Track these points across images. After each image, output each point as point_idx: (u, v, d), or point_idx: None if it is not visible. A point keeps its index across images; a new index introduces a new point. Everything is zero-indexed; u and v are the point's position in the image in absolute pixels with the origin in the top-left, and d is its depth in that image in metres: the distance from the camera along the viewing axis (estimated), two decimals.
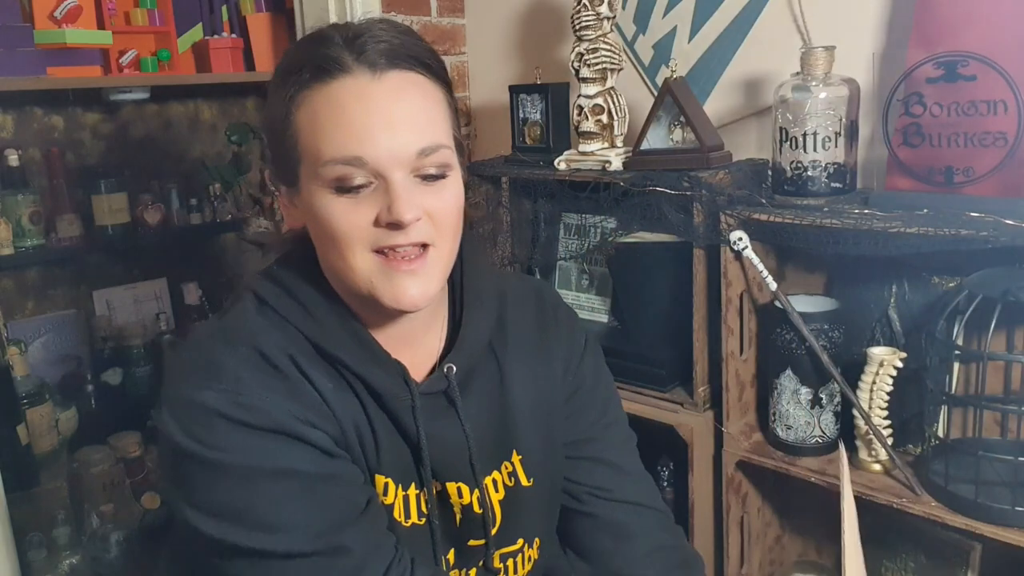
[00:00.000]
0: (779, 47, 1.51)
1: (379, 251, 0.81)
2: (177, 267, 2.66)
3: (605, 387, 1.07)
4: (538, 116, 1.69)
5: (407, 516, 0.90)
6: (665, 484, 1.60)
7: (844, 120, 1.31)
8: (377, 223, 0.80)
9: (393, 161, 0.79)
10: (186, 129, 2.71)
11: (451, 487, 0.92)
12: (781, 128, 1.34)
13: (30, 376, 2.12)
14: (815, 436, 1.37)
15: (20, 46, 2.02)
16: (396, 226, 0.79)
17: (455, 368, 0.91)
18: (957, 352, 1.20)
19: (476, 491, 0.93)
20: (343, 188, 0.80)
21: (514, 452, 0.96)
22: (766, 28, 1.55)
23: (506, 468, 0.96)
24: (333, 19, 1.88)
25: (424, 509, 0.91)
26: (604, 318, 1.75)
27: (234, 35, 2.45)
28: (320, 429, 0.83)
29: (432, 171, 0.81)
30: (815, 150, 1.31)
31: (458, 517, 0.93)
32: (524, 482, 0.97)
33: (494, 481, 0.95)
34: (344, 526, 0.81)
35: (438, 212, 0.82)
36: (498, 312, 0.97)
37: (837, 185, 1.33)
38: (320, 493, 0.81)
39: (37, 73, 2.06)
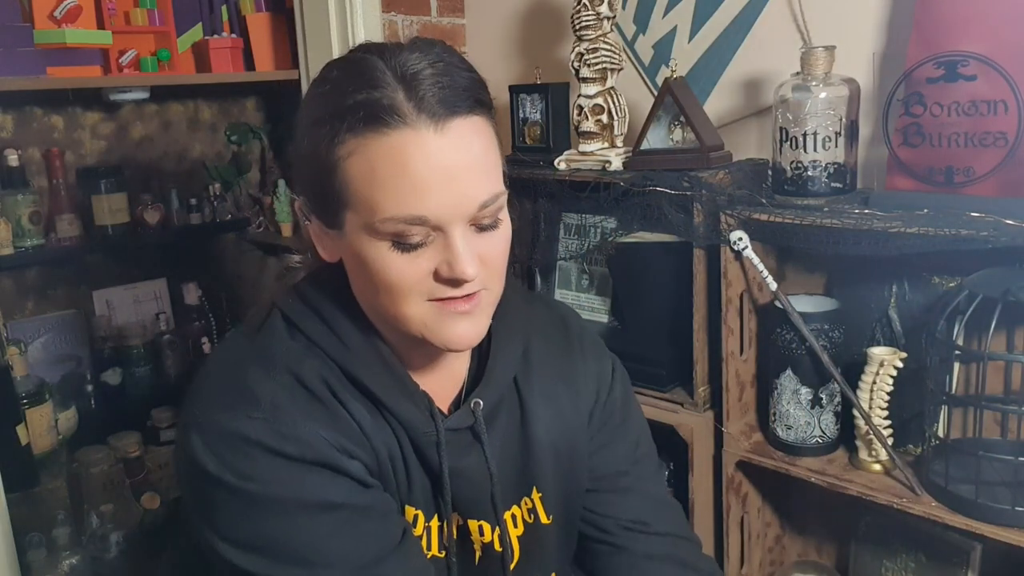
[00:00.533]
0: (779, 47, 1.51)
1: (435, 299, 0.79)
2: (177, 267, 2.66)
3: (636, 418, 1.05)
4: (538, 116, 1.69)
5: (428, 548, 0.89)
6: (665, 484, 1.60)
7: (844, 120, 1.31)
8: (437, 276, 0.78)
9: (454, 216, 0.76)
10: (186, 129, 2.71)
11: (472, 524, 0.90)
12: (781, 128, 1.34)
13: (30, 376, 2.11)
14: (815, 436, 1.37)
15: (20, 46, 2.02)
16: (456, 282, 0.78)
17: (482, 404, 0.89)
18: (957, 352, 1.20)
19: (497, 529, 0.91)
20: (401, 244, 0.77)
21: (534, 489, 0.95)
22: (766, 28, 1.55)
23: (526, 504, 0.95)
24: (333, 19, 1.87)
25: (446, 542, 0.90)
26: (604, 318, 1.75)
27: (234, 35, 2.44)
28: (357, 459, 0.81)
29: (487, 221, 0.79)
30: (815, 150, 1.31)
31: (478, 555, 0.92)
32: (544, 519, 0.95)
33: (513, 516, 0.93)
34: (383, 558, 0.80)
35: (490, 257, 0.81)
36: (524, 343, 0.95)
37: (837, 185, 1.33)
38: (359, 526, 0.80)
39: (37, 73, 2.05)
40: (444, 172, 0.75)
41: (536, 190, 1.74)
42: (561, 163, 1.59)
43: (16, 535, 1.72)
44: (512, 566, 0.93)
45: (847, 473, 1.32)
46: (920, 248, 1.17)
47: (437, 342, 0.81)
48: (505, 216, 0.82)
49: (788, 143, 1.33)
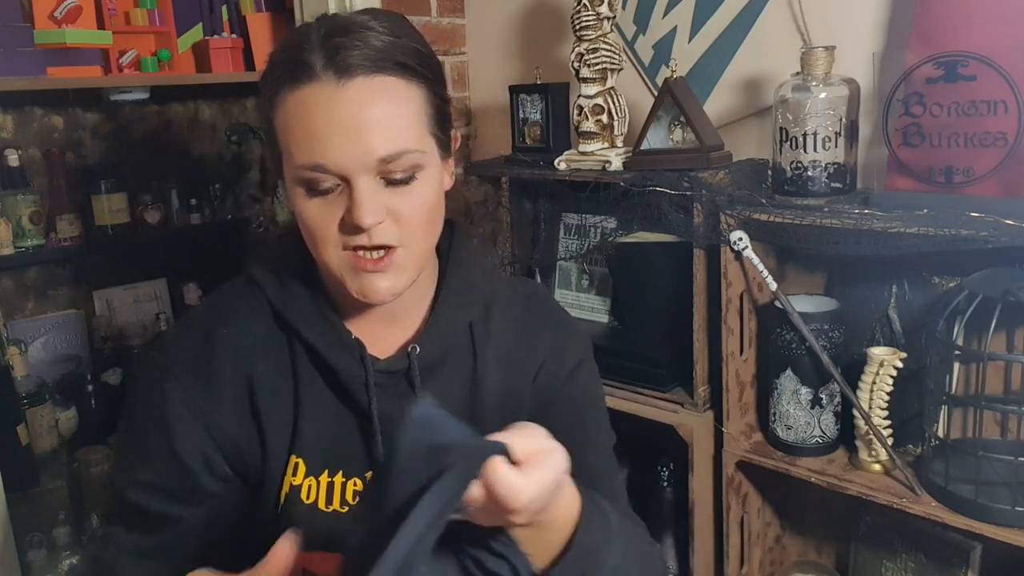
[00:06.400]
0: (779, 47, 1.51)
1: (348, 248, 0.84)
2: (177, 267, 2.66)
3: (585, 387, 1.04)
4: (538, 116, 1.69)
5: (328, 502, 0.92)
6: (665, 484, 1.60)
7: (844, 120, 1.31)
8: (342, 224, 0.82)
9: (354, 167, 0.80)
10: (186, 129, 2.71)
11: None
12: (781, 128, 1.34)
13: (30, 376, 2.11)
14: (815, 436, 1.37)
15: (20, 46, 2.02)
16: (358, 229, 0.81)
17: (419, 349, 0.91)
18: (957, 352, 1.20)
19: None
20: (312, 190, 0.82)
21: None
22: (766, 28, 1.55)
23: None
24: None
25: (349, 499, 0.92)
26: (604, 318, 1.75)
27: (234, 35, 2.44)
28: (213, 435, 0.89)
29: (398, 176, 0.82)
30: (815, 150, 1.31)
31: None
32: None
33: None
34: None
35: (405, 214, 0.83)
36: (484, 307, 0.98)
37: (837, 185, 1.33)
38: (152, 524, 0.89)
39: (37, 73, 2.05)
40: (343, 124, 0.80)
41: (536, 190, 1.74)
42: (561, 163, 1.59)
43: (16, 535, 1.72)
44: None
45: (847, 473, 1.32)
46: (920, 248, 1.17)
47: (355, 293, 0.85)
48: (427, 176, 0.85)
49: (788, 143, 1.33)
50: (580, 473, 0.99)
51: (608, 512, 0.81)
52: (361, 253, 0.83)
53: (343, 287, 0.86)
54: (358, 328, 0.92)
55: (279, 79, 0.83)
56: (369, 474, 0.91)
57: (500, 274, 1.06)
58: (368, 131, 0.80)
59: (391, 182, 0.82)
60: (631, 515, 1.01)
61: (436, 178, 0.87)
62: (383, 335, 0.93)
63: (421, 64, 0.85)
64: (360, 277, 0.84)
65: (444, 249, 0.98)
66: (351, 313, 0.93)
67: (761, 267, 1.34)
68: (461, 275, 0.97)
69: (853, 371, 1.32)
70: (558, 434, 0.99)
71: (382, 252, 0.83)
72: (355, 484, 0.92)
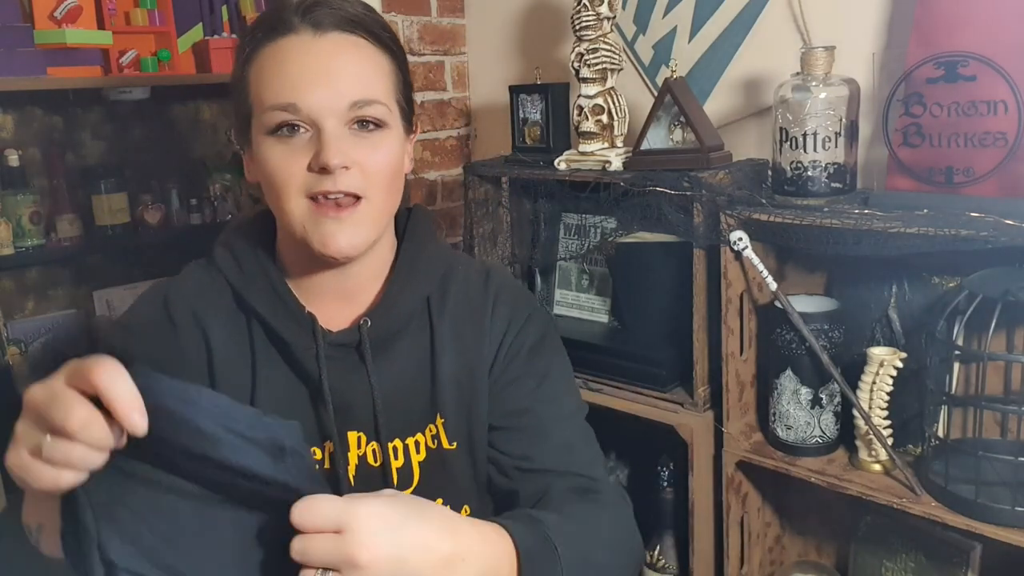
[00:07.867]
0: (779, 47, 1.51)
1: (312, 197, 0.86)
2: (177, 267, 2.64)
3: (548, 360, 1.04)
4: (538, 116, 1.69)
5: None
6: (665, 484, 1.60)
7: (844, 120, 1.31)
8: (309, 169, 0.85)
9: (325, 110, 0.84)
10: (186, 129, 2.72)
11: (351, 436, 0.94)
12: (781, 128, 1.34)
13: (30, 376, 2.12)
14: (815, 436, 1.37)
15: (20, 46, 2.03)
16: (324, 171, 0.84)
17: (370, 322, 0.93)
18: (957, 352, 1.20)
19: (373, 444, 0.94)
20: (281, 134, 0.86)
21: (438, 415, 0.98)
22: (766, 28, 1.55)
23: (430, 431, 0.98)
24: None
25: (325, 462, 0.94)
26: (604, 318, 1.75)
27: (234, 35, 2.45)
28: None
29: (369, 118, 0.86)
30: (815, 150, 1.31)
31: (352, 469, 0.94)
32: (446, 444, 0.99)
33: (416, 443, 0.97)
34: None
35: (370, 165, 0.86)
36: (441, 283, 1.00)
37: (837, 185, 1.33)
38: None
39: (37, 73, 2.06)
40: (318, 69, 0.85)
41: (536, 190, 1.74)
42: (561, 163, 1.59)
43: None
44: (409, 491, 0.96)
45: (847, 473, 1.32)
46: (920, 248, 1.17)
47: (315, 245, 0.87)
48: (392, 134, 0.89)
49: (788, 143, 1.33)
50: (553, 447, 1.00)
51: (552, 539, 0.83)
52: (323, 200, 0.85)
53: (304, 240, 0.88)
54: (313, 305, 0.94)
55: (257, 38, 0.88)
56: (328, 444, 0.94)
57: (458, 253, 1.09)
58: (340, 77, 0.85)
59: (361, 126, 0.86)
60: (599, 492, 0.98)
61: (399, 143, 0.91)
62: (338, 311, 0.96)
63: (390, 39, 0.91)
64: (321, 226, 0.86)
65: (401, 230, 1.01)
66: (306, 290, 0.95)
67: (761, 267, 1.34)
68: (415, 252, 0.99)
69: (853, 371, 1.32)
70: (525, 408, 1.00)
71: (350, 200, 0.86)
72: (314, 454, 0.94)
